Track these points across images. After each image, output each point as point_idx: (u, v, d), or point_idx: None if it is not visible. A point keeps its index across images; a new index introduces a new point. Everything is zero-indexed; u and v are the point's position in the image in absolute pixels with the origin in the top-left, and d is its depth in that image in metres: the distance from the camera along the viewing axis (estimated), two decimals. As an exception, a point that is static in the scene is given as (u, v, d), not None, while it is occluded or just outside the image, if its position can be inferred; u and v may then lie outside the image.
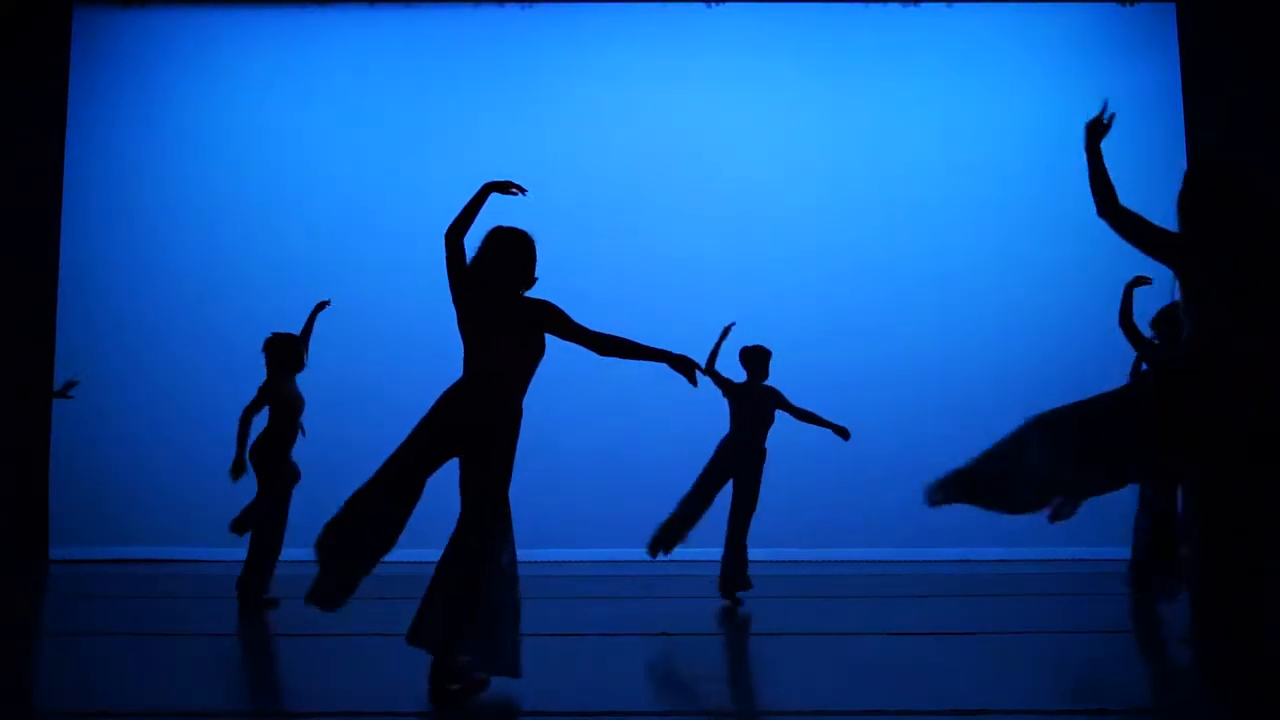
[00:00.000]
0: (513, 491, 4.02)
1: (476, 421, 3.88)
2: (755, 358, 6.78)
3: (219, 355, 9.54)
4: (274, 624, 5.96)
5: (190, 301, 9.91)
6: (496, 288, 4.10)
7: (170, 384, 9.75)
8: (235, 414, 6.51)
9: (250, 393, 6.50)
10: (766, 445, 6.71)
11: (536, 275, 4.21)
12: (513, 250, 4.21)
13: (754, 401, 6.68)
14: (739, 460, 6.63)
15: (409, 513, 3.85)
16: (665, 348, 3.97)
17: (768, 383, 6.77)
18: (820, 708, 3.64)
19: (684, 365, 3.93)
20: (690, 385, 3.99)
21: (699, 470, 6.73)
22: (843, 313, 9.77)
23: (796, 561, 8.99)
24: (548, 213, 10.05)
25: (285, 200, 10.07)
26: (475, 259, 4.16)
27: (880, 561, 9.23)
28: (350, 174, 10.08)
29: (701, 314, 9.46)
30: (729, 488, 6.69)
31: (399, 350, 9.27)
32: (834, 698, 3.82)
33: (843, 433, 6.71)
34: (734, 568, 6.58)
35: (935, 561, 9.13)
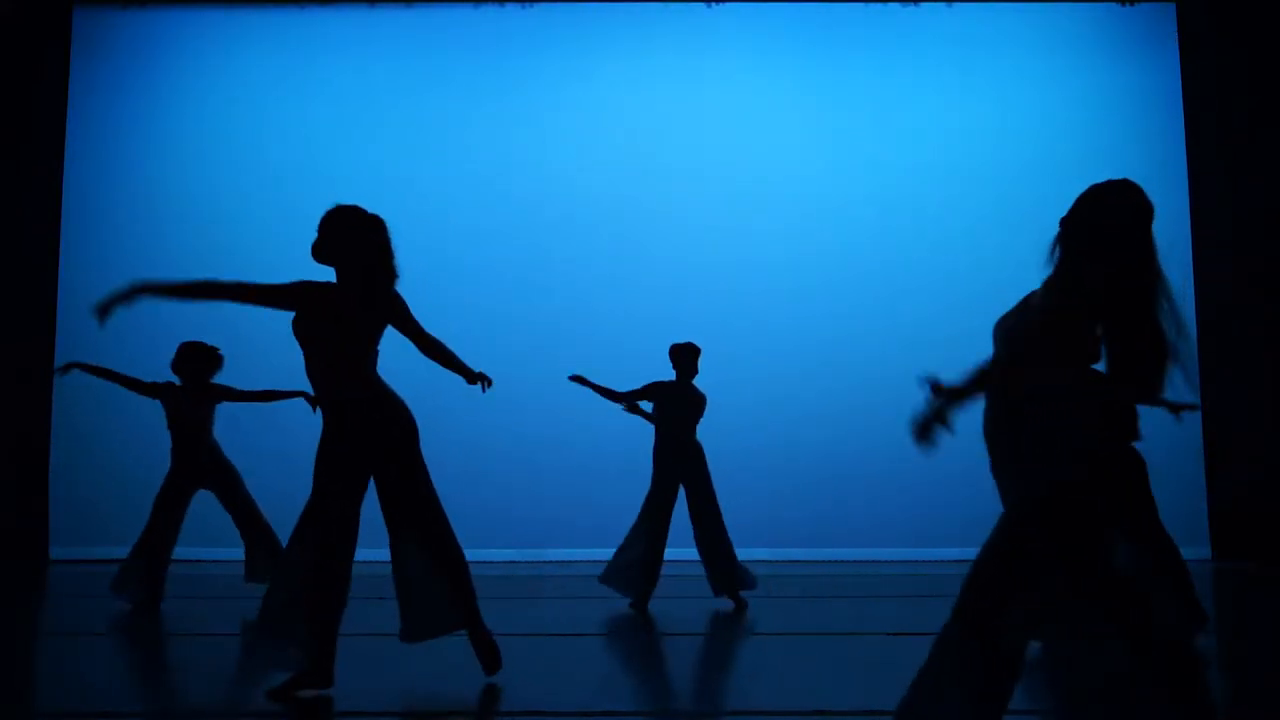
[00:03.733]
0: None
1: (390, 436, 3.88)
2: (685, 355, 6.56)
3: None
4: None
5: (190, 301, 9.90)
6: (381, 283, 3.94)
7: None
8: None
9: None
10: (700, 440, 6.54)
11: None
12: (382, 235, 3.97)
13: (684, 401, 6.51)
14: (681, 465, 6.49)
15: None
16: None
17: (698, 381, 6.60)
18: (820, 708, 3.64)
19: (475, 378, 4.26)
20: (481, 391, 4.30)
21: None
22: (843, 313, 9.77)
23: (796, 561, 8.98)
24: (548, 212, 10.12)
25: (285, 200, 10.06)
26: (345, 247, 3.89)
27: (880, 561, 9.23)
28: (350, 173, 10.06)
29: (702, 314, 9.49)
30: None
31: (399, 350, 9.27)
32: (834, 698, 3.82)
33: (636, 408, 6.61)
34: (729, 566, 6.45)
35: (935, 561, 9.13)
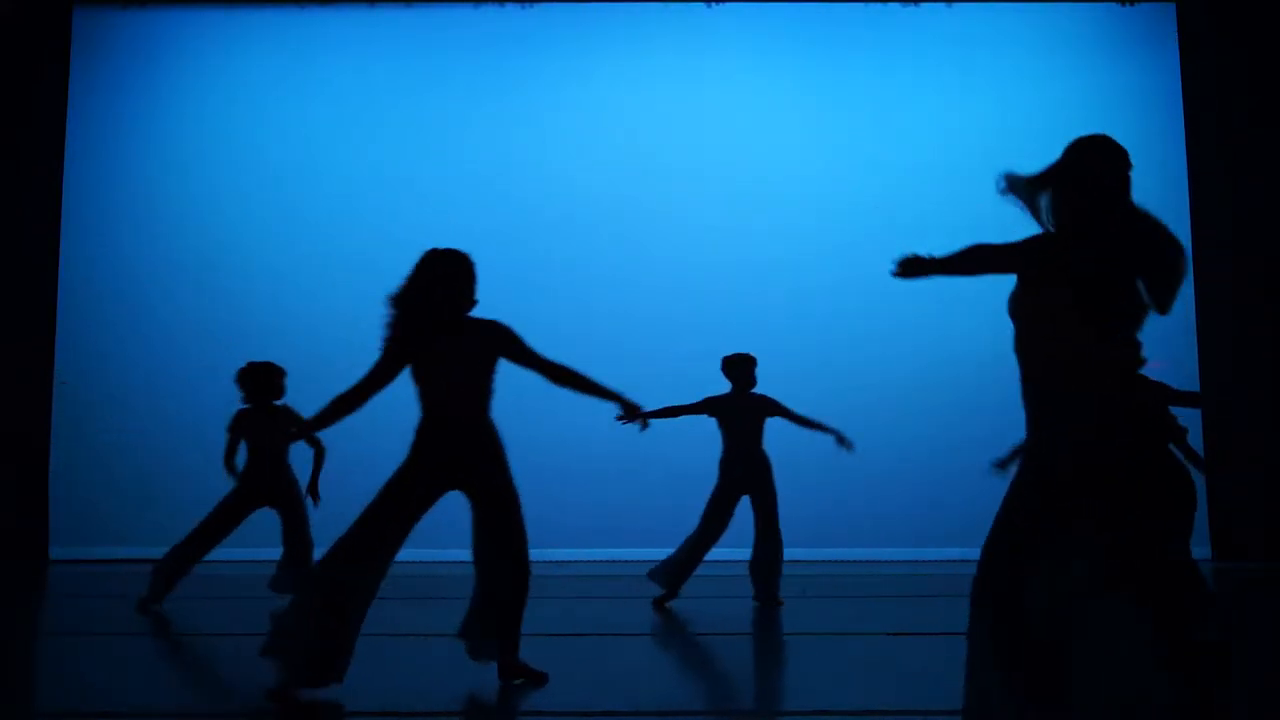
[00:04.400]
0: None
1: (471, 457, 3.92)
2: (738, 366, 6.53)
3: (219, 355, 9.53)
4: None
5: (190, 301, 9.91)
6: (449, 316, 4.01)
7: (170, 384, 9.75)
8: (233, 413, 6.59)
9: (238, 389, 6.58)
10: (767, 451, 6.57)
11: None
12: (460, 274, 4.06)
13: (741, 412, 6.50)
14: (747, 476, 6.50)
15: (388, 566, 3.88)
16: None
17: (757, 390, 6.56)
18: (820, 708, 3.64)
19: (630, 410, 4.12)
20: (639, 429, 4.24)
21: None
22: (843, 313, 9.76)
23: (796, 561, 8.97)
24: (548, 212, 10.11)
25: (285, 200, 10.07)
26: (417, 285, 4.00)
27: (880, 561, 9.23)
28: (350, 173, 10.08)
29: (702, 314, 9.50)
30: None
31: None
32: (834, 698, 3.82)
33: (844, 441, 6.52)
34: (773, 570, 6.51)
35: (935, 561, 9.13)
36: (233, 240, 10.00)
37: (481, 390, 4.00)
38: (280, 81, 10.25)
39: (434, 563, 7.59)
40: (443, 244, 4.18)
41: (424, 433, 3.94)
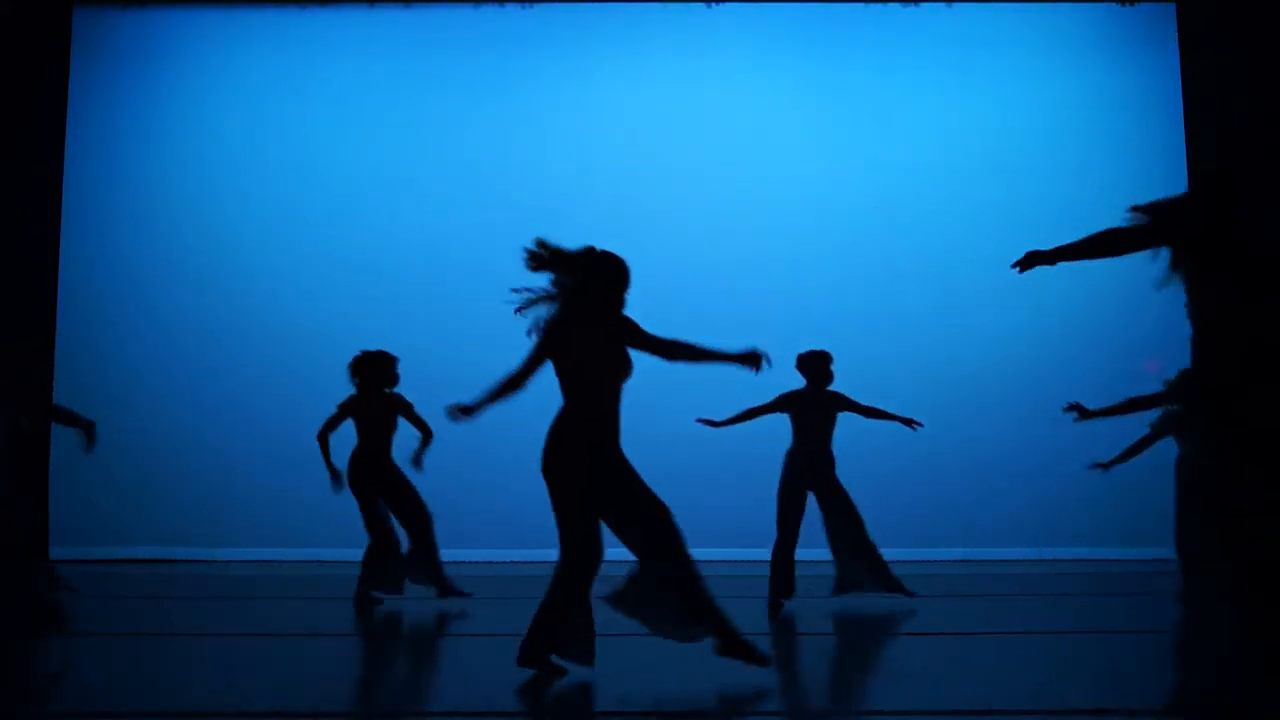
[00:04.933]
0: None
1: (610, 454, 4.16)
2: (815, 363, 6.53)
3: (218, 355, 9.54)
4: (275, 623, 5.96)
5: (190, 301, 9.91)
6: (605, 311, 4.22)
7: (170, 384, 9.74)
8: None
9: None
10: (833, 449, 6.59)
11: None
12: (620, 276, 4.39)
13: (817, 408, 6.51)
14: (811, 468, 6.52)
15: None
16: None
17: (830, 387, 6.58)
18: (820, 708, 3.64)
19: (750, 359, 4.19)
20: (759, 370, 4.20)
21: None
22: (843, 312, 9.75)
23: (800, 561, 8.96)
24: (547, 213, 10.10)
25: (285, 200, 10.07)
26: (583, 280, 4.31)
27: (880, 561, 9.21)
28: (350, 173, 10.07)
29: (702, 317, 9.47)
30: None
31: (401, 353, 9.27)
32: (834, 698, 3.82)
33: (912, 424, 6.62)
34: (879, 561, 6.59)
35: (935, 561, 9.12)
36: (233, 240, 9.99)
37: (614, 388, 4.15)
38: (280, 81, 10.25)
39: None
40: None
41: (565, 424, 4.17)
